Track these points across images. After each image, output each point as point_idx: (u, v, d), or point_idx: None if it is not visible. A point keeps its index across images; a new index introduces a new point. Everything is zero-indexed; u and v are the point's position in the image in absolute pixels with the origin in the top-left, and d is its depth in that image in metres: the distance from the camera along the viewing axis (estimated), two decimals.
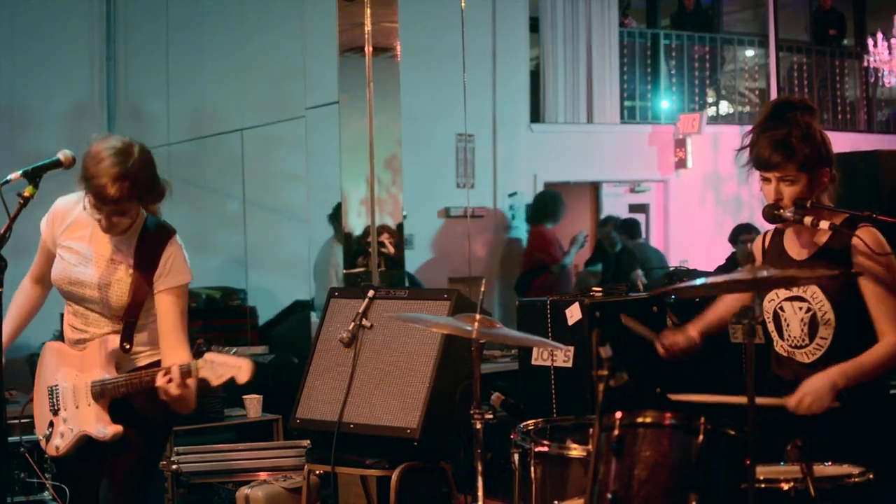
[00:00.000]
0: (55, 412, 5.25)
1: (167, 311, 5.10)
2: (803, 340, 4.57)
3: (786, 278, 4.29)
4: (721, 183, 16.33)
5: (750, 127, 4.77)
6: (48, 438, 5.26)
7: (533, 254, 13.28)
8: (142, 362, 5.19)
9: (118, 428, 5.05)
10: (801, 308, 4.57)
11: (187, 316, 5.22)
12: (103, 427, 5.07)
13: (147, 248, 5.11)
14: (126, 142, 4.98)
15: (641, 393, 4.82)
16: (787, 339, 4.62)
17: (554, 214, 13.17)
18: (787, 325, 4.61)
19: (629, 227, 13.58)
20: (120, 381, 5.04)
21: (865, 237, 4.42)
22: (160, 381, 4.86)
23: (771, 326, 4.68)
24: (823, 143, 4.58)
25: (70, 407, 5.19)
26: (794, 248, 4.69)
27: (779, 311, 4.63)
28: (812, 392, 4.35)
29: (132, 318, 5.12)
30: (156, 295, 5.10)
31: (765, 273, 3.95)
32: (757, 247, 4.87)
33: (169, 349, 5.06)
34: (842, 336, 4.48)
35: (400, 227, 8.53)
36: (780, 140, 4.51)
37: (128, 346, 5.12)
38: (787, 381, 4.61)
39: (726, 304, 4.94)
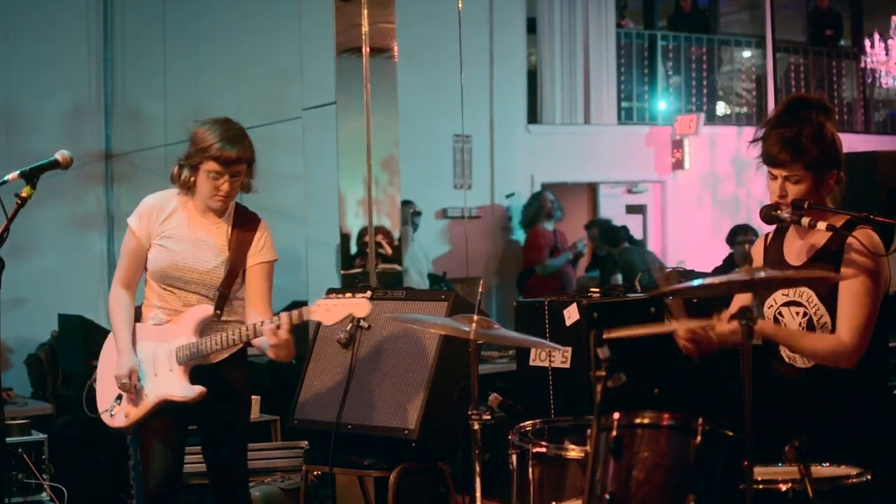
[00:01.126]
0: None
1: (258, 282, 5.56)
2: None
3: (783, 280, 4.29)
4: (718, 184, 16.35)
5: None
6: (111, 411, 5.56)
7: (524, 254, 13.36)
8: (226, 330, 5.45)
9: (201, 388, 5.40)
10: (797, 313, 4.55)
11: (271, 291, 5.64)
12: (188, 388, 5.42)
13: (240, 229, 5.56)
14: (221, 117, 5.49)
15: (639, 393, 4.83)
16: None
17: (540, 214, 13.20)
18: None
19: (609, 235, 13.57)
20: (215, 340, 5.40)
21: (862, 237, 4.41)
22: (269, 327, 5.19)
23: None
24: (833, 145, 4.54)
25: (147, 377, 5.49)
26: (792, 251, 4.67)
27: (778, 316, 4.62)
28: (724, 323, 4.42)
29: (227, 289, 5.51)
30: (248, 269, 5.54)
31: (762, 274, 3.95)
32: (757, 248, 4.85)
33: (259, 316, 5.44)
34: None
35: (400, 226, 8.53)
36: (790, 138, 4.49)
37: (219, 313, 5.49)
38: (789, 383, 4.63)
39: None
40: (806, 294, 4.52)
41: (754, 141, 4.67)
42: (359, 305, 5.17)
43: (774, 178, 4.55)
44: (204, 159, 5.32)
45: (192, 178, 5.42)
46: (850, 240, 4.43)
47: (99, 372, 5.71)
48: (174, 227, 5.50)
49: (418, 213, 12.28)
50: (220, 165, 5.32)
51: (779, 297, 4.61)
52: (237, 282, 5.55)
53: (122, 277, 5.61)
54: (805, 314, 4.53)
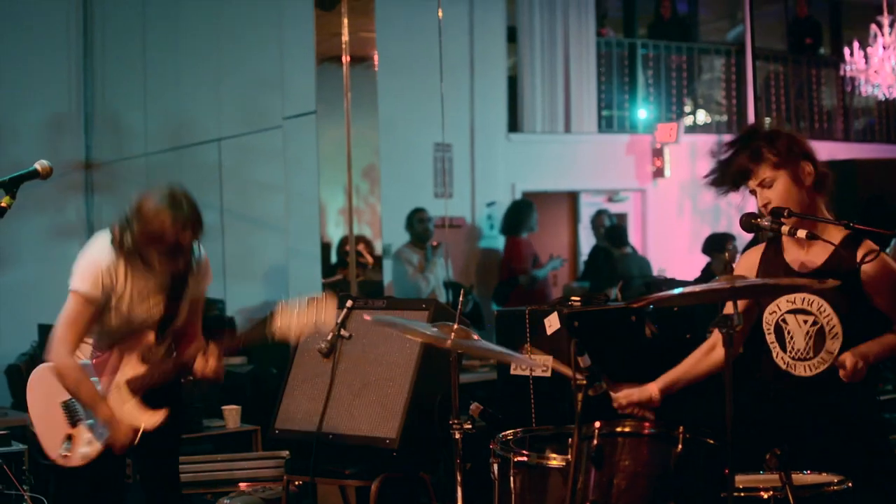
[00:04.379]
0: (74, 424, 5.46)
1: (196, 313, 5.63)
2: (807, 353, 4.56)
3: (765, 287, 4.30)
4: (699, 192, 16.34)
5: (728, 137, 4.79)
6: (68, 451, 5.44)
7: (506, 264, 13.33)
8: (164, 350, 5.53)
9: (164, 412, 5.40)
10: (805, 321, 4.55)
11: None
12: (150, 417, 5.39)
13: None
14: (166, 190, 5.22)
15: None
16: (790, 352, 4.60)
17: (527, 224, 13.18)
18: (791, 338, 4.59)
19: (615, 236, 13.58)
20: (166, 368, 5.44)
21: (870, 264, 4.44)
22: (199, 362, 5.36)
23: (772, 338, 4.65)
24: (792, 139, 4.60)
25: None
26: (797, 260, 4.66)
27: (781, 323, 4.62)
28: (858, 357, 4.33)
29: (167, 321, 5.49)
30: (194, 299, 5.58)
31: (742, 283, 3.96)
32: (750, 260, 4.83)
33: (191, 339, 5.59)
34: (847, 350, 4.46)
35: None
36: (747, 149, 4.56)
37: (160, 339, 5.49)
38: (784, 393, 4.62)
39: (692, 362, 4.90)
40: (817, 303, 4.52)
41: (708, 175, 4.74)
42: (322, 317, 5.31)
43: (754, 193, 4.58)
44: (157, 244, 5.18)
45: (136, 248, 5.23)
46: (864, 270, 4.44)
47: (33, 416, 5.60)
48: (125, 285, 5.35)
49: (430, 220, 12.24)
50: (173, 254, 5.22)
51: (783, 303, 4.61)
52: (182, 306, 5.52)
53: (72, 346, 5.37)
54: (815, 323, 4.52)
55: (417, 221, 12.07)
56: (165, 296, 5.43)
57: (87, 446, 5.42)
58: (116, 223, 5.26)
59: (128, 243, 5.21)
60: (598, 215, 14.26)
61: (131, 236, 5.19)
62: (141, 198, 5.19)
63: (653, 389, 4.82)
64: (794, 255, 4.69)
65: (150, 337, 5.42)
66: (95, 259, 5.32)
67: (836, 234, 4.54)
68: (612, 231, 13.72)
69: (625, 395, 4.80)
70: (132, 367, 5.40)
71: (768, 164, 4.53)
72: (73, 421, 5.46)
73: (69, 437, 5.44)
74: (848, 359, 4.32)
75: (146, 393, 5.42)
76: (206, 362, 5.35)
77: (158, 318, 5.44)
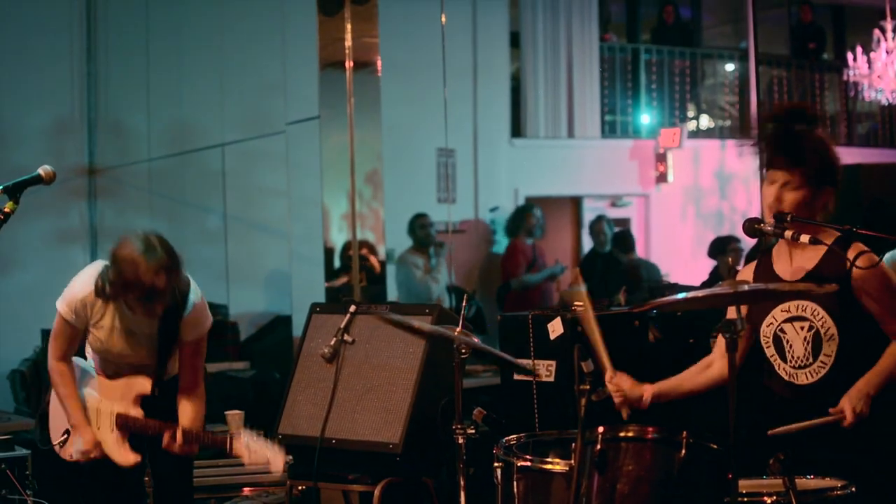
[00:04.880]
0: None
1: (189, 358, 5.62)
2: (807, 360, 4.50)
3: (768, 292, 4.28)
4: (702, 197, 16.36)
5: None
6: (62, 444, 5.69)
7: (504, 267, 13.34)
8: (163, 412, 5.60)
9: (137, 457, 5.52)
10: (802, 327, 4.50)
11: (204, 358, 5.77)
12: (126, 455, 5.53)
13: (171, 313, 5.48)
14: (142, 235, 5.26)
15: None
16: (791, 361, 4.55)
17: (524, 227, 13.17)
18: (790, 347, 4.54)
19: (623, 241, 13.54)
20: (149, 425, 5.51)
21: (860, 262, 4.39)
22: (166, 439, 5.39)
23: (771, 350, 4.60)
24: (833, 163, 4.55)
25: (91, 427, 5.61)
26: (786, 270, 4.63)
27: (779, 333, 4.57)
28: (856, 401, 4.32)
29: (162, 367, 5.61)
30: (182, 343, 5.59)
31: (745, 287, 3.95)
32: (746, 273, 4.81)
33: (186, 388, 5.61)
34: (844, 351, 4.43)
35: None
36: (793, 143, 4.49)
37: (157, 392, 5.58)
38: (788, 402, 4.60)
39: (687, 376, 4.86)
40: (810, 308, 4.48)
41: (753, 144, 4.66)
42: (275, 458, 5.23)
43: (771, 182, 4.52)
44: (132, 290, 5.21)
45: (115, 294, 5.32)
46: (855, 272, 4.39)
47: (53, 400, 5.81)
48: (105, 322, 5.49)
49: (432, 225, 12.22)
50: (150, 300, 5.24)
51: (778, 314, 4.56)
52: (172, 359, 5.65)
53: (59, 354, 5.64)
54: (811, 328, 4.48)
55: (419, 227, 12.08)
56: (153, 341, 5.55)
57: (74, 449, 5.63)
58: (100, 272, 5.34)
59: (108, 291, 5.31)
60: (598, 221, 14.23)
61: (109, 284, 5.27)
62: (118, 244, 5.26)
63: (646, 391, 4.76)
64: (784, 264, 4.65)
65: (148, 386, 5.55)
66: (77, 289, 5.49)
67: (829, 237, 4.51)
68: (619, 237, 13.68)
69: (619, 381, 4.74)
70: (127, 406, 5.55)
71: (800, 173, 4.48)
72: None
73: (67, 433, 5.66)
74: (846, 407, 4.31)
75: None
76: (171, 441, 5.39)
77: (148, 362, 5.57)
